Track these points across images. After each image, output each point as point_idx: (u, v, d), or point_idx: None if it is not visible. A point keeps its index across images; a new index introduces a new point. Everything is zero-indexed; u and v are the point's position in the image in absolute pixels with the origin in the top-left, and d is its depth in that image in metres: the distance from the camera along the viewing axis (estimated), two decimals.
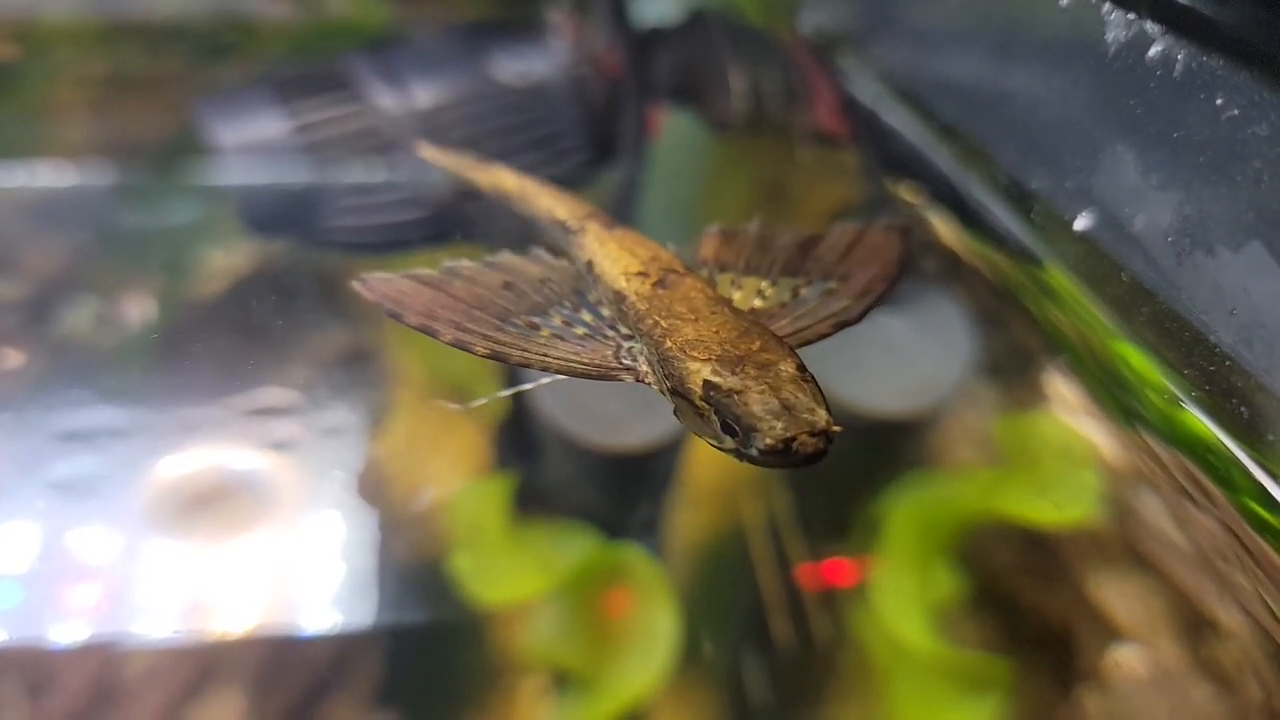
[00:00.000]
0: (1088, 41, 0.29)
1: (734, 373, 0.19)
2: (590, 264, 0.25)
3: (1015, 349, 0.37)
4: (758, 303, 0.24)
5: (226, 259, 0.40)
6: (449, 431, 0.37)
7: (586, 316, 0.24)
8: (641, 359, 0.22)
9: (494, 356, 0.22)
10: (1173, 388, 0.28)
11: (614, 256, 0.25)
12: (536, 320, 0.23)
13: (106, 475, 0.32)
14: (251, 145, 0.37)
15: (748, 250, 0.26)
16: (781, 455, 0.18)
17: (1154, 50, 0.27)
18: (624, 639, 0.31)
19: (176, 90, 0.45)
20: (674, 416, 0.21)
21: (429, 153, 0.36)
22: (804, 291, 0.24)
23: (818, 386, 0.19)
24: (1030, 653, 0.31)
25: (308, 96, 0.38)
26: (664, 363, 0.21)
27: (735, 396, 0.19)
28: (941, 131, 0.37)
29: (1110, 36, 0.28)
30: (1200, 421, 0.27)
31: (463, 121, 0.39)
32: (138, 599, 0.30)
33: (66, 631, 0.29)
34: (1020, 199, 0.33)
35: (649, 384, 0.22)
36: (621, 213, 0.37)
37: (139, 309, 0.38)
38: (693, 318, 0.21)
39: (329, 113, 0.38)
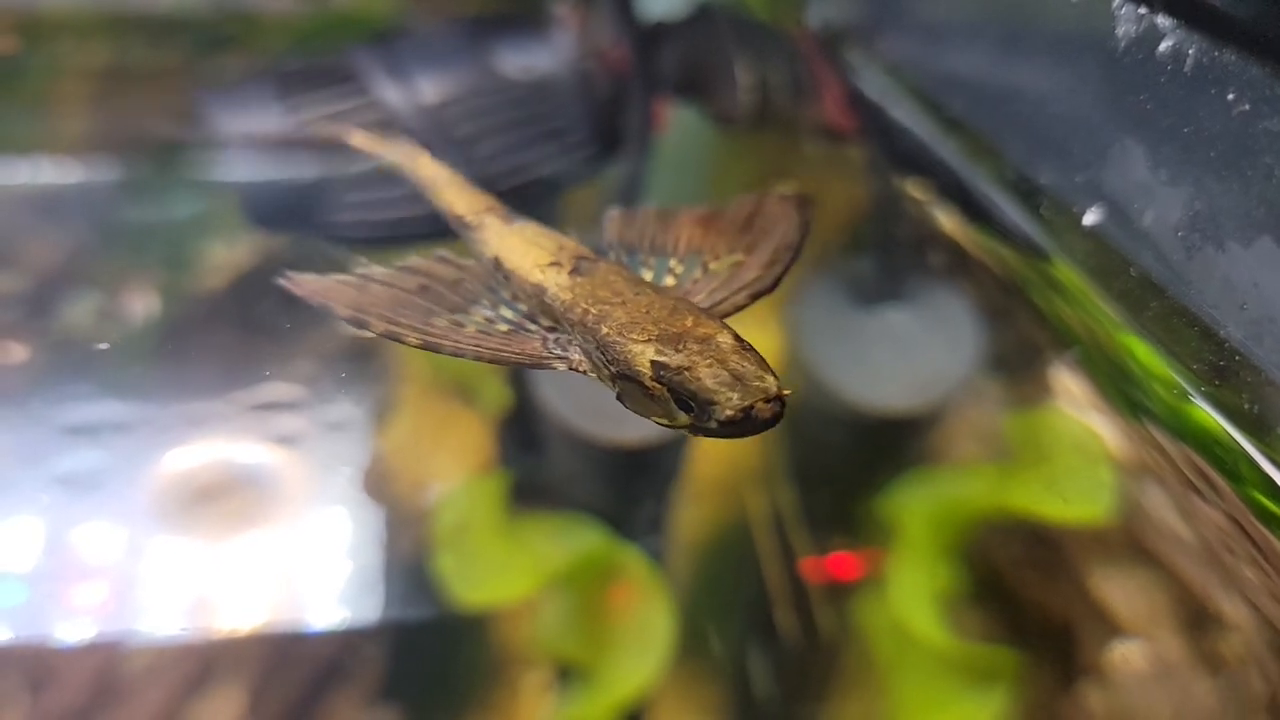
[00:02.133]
0: (1097, 36, 0.29)
1: (677, 350, 0.20)
2: (497, 260, 0.25)
3: (1022, 344, 0.37)
4: (669, 280, 0.25)
5: (228, 253, 0.40)
6: (452, 427, 0.37)
7: (506, 313, 0.24)
8: (573, 348, 0.22)
9: (426, 347, 0.23)
10: (1181, 381, 0.28)
11: (521, 250, 0.25)
12: (459, 319, 0.24)
13: (111, 470, 0.32)
14: (256, 140, 0.37)
15: (650, 230, 0.26)
16: (740, 425, 0.18)
17: (1165, 45, 0.27)
18: (620, 634, 0.31)
19: (178, 83, 0.45)
20: (617, 400, 0.21)
21: (359, 140, 0.36)
22: (712, 266, 0.25)
23: (758, 354, 0.20)
24: (1033, 647, 0.31)
25: (311, 90, 0.38)
26: (603, 349, 0.21)
27: (686, 373, 0.19)
28: (949, 126, 0.37)
29: (1120, 31, 0.28)
30: (1207, 414, 0.27)
31: (468, 116, 0.38)
32: (142, 594, 0.30)
33: (70, 628, 0.29)
34: (1028, 194, 0.33)
35: (583, 371, 0.22)
36: (626, 207, 0.37)
37: (141, 303, 0.38)
38: (619, 301, 0.22)
39: (333, 107, 0.38)
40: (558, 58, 0.39)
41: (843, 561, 0.35)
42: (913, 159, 0.38)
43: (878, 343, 0.38)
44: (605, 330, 0.21)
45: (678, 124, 0.42)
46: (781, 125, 0.41)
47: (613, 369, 0.21)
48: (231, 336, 0.38)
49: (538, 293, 0.24)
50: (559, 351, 0.23)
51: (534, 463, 0.38)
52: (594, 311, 0.22)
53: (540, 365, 0.23)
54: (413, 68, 0.38)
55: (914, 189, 0.39)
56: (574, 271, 0.23)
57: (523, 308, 0.24)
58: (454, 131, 0.38)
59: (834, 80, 0.41)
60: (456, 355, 0.22)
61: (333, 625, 0.30)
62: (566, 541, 0.33)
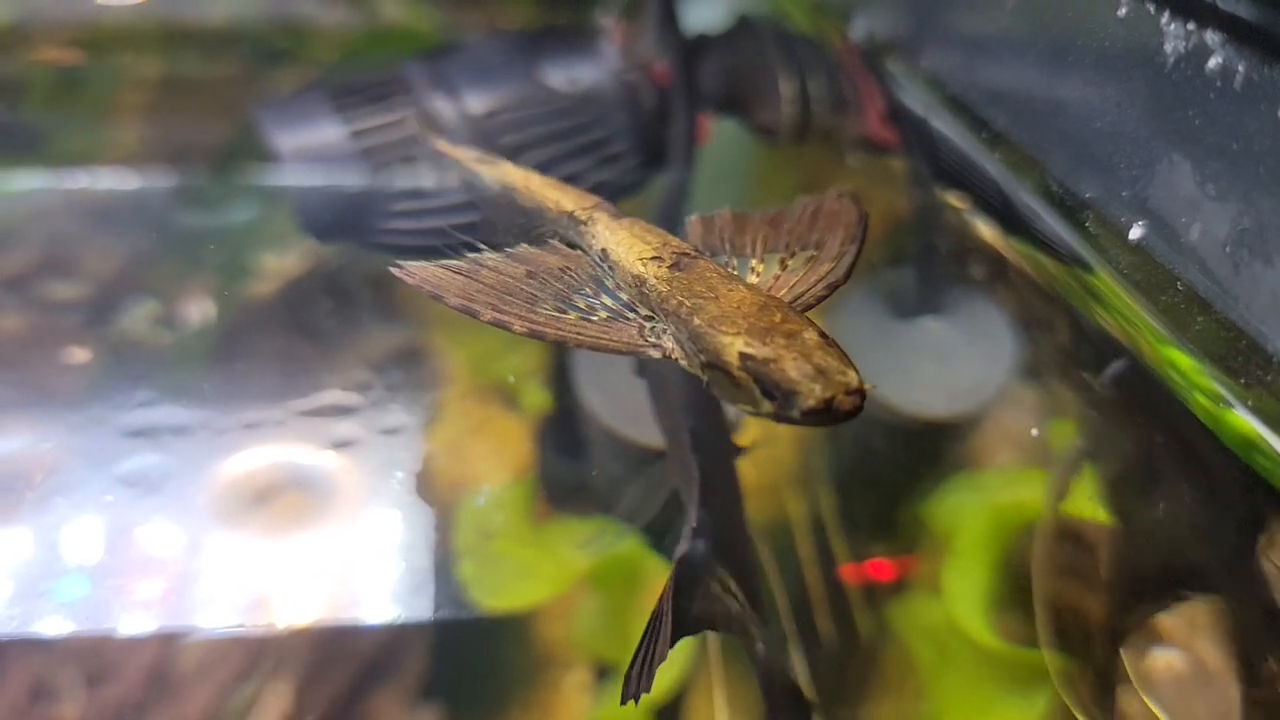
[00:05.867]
0: (1145, 52, 0.29)
1: (765, 343, 0.20)
2: (605, 252, 0.26)
3: (1061, 353, 0.37)
4: (753, 278, 0.25)
5: (278, 261, 0.41)
6: (493, 429, 0.38)
7: (607, 301, 0.25)
8: (666, 337, 0.23)
9: (531, 334, 0.24)
10: (1225, 393, 0.28)
11: (627, 244, 0.26)
12: (562, 305, 0.25)
13: (170, 472, 0.33)
14: (309, 151, 0.38)
15: (728, 233, 0.27)
16: (821, 414, 0.19)
17: (1214, 62, 0.27)
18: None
19: (233, 94, 0.46)
20: (705, 389, 0.22)
21: (443, 146, 0.37)
22: (790, 263, 0.26)
23: (842, 350, 0.20)
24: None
25: (364, 103, 0.39)
26: (695, 339, 0.22)
27: (772, 364, 0.20)
28: (992, 139, 0.37)
29: (1169, 47, 0.28)
30: (1248, 424, 0.28)
31: (514, 127, 0.39)
32: (197, 592, 0.31)
33: (129, 623, 0.30)
34: (1073, 208, 0.33)
35: (675, 359, 0.23)
36: (669, 218, 0.38)
37: (197, 310, 0.39)
38: (713, 296, 0.23)
39: (384, 118, 0.38)
40: (603, 70, 0.40)
41: (882, 565, 0.35)
42: (955, 171, 0.39)
43: (918, 351, 0.38)
44: (698, 322, 0.22)
45: (720, 136, 0.42)
46: (823, 137, 0.41)
47: (703, 358, 0.22)
48: (283, 342, 0.39)
49: (638, 283, 0.25)
50: (654, 340, 0.24)
51: (574, 466, 0.38)
52: (688, 304, 0.23)
53: (636, 352, 0.24)
54: (461, 80, 0.39)
55: (955, 201, 0.39)
56: (674, 266, 0.24)
57: (624, 297, 0.25)
58: (500, 142, 0.39)
59: (876, 93, 0.41)
60: (559, 342, 0.23)
61: (377, 623, 0.31)
62: (592, 546, 0.33)
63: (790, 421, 0.20)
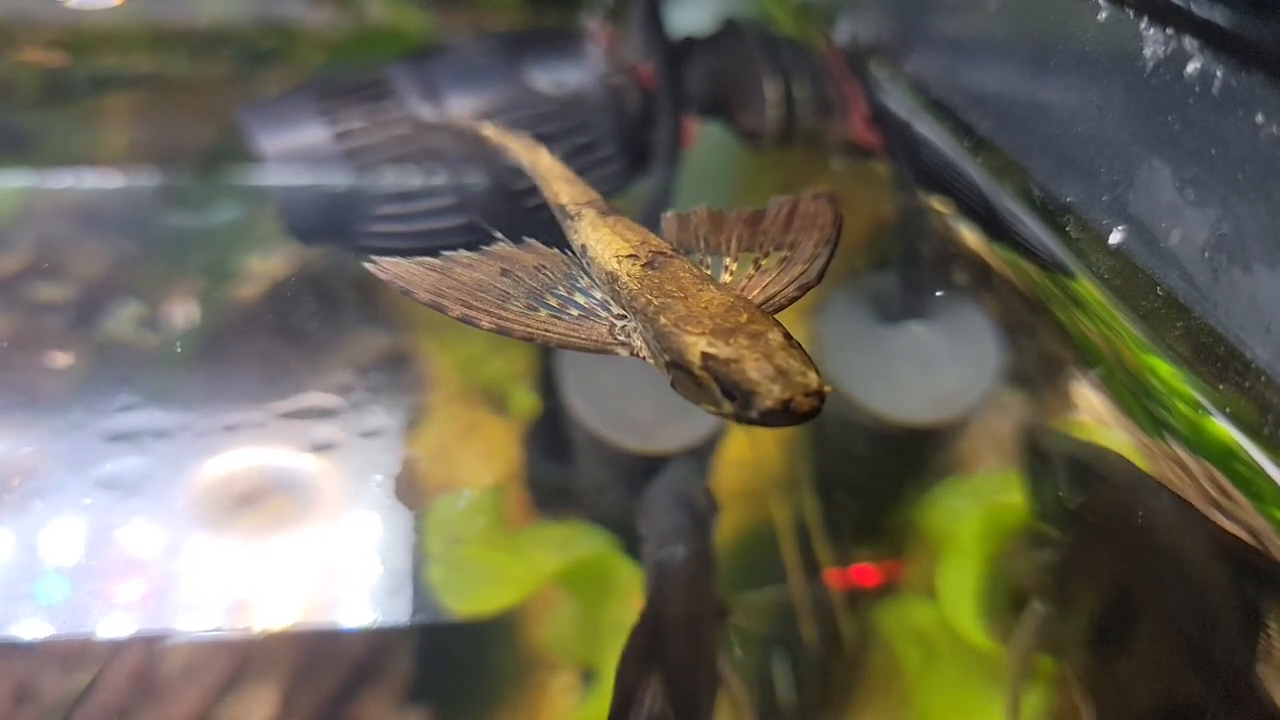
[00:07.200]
0: (1125, 57, 0.29)
1: (728, 343, 0.20)
2: (584, 247, 0.26)
3: (1044, 358, 0.37)
4: (726, 278, 0.26)
5: (264, 263, 0.41)
6: (480, 433, 0.38)
7: (580, 299, 0.25)
8: (635, 336, 0.23)
9: (499, 330, 0.24)
10: (1204, 401, 0.28)
11: (606, 240, 0.26)
12: (534, 303, 0.25)
13: (151, 475, 0.33)
14: (293, 153, 0.38)
15: (704, 231, 0.27)
16: (780, 415, 0.19)
17: (1192, 67, 0.27)
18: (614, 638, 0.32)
19: (220, 96, 0.46)
20: (671, 388, 0.22)
21: (489, 130, 0.37)
22: (764, 263, 0.26)
23: (805, 352, 0.20)
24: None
25: (348, 105, 0.39)
26: (660, 338, 0.22)
27: (733, 365, 0.20)
28: (975, 144, 0.37)
29: (1148, 52, 0.28)
30: (1228, 432, 0.28)
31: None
32: (180, 595, 0.31)
33: (110, 626, 0.30)
34: (1054, 212, 0.33)
35: (643, 358, 0.23)
36: (652, 222, 0.38)
37: (181, 312, 0.39)
38: (682, 295, 0.23)
39: (369, 121, 0.38)
40: (589, 73, 0.40)
41: (867, 570, 0.35)
42: (938, 175, 0.39)
43: (902, 356, 0.38)
44: (663, 321, 0.22)
45: (705, 139, 0.42)
46: (807, 141, 0.42)
47: (667, 357, 0.22)
48: (267, 344, 0.39)
49: (610, 280, 0.25)
50: (623, 338, 0.24)
51: (560, 470, 0.38)
52: (656, 303, 0.23)
53: (604, 350, 0.24)
54: (445, 83, 0.39)
55: (938, 205, 0.39)
56: (648, 265, 0.24)
57: (598, 296, 0.25)
58: (486, 144, 0.39)
59: (860, 96, 0.41)
60: (526, 339, 0.23)
61: (359, 627, 0.31)
62: (563, 551, 0.33)
63: (750, 422, 0.20)
